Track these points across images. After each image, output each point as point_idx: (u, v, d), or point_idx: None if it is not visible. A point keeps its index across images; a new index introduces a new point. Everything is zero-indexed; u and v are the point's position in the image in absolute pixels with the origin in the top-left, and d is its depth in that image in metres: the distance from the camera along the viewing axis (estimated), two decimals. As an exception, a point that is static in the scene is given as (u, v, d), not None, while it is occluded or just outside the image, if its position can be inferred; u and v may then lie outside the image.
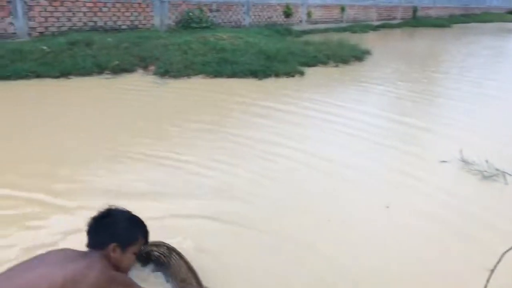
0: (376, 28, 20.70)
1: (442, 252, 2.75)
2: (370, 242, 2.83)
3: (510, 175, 3.97)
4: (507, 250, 1.58)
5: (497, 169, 4.02)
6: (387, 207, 3.34)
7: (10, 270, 1.51)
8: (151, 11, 11.39)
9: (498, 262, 1.52)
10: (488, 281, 1.44)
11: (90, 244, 1.70)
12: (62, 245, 2.55)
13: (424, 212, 3.28)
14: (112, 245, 1.66)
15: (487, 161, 4.13)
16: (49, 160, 3.88)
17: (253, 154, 4.26)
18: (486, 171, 3.99)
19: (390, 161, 4.27)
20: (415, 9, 26.06)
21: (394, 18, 24.10)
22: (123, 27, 10.83)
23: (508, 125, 5.77)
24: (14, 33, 8.83)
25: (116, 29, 10.62)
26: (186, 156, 4.08)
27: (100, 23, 10.33)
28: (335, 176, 3.85)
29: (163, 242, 2.16)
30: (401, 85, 8.12)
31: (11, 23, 8.73)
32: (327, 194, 3.52)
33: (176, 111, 5.74)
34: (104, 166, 3.78)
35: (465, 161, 4.20)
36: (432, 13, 28.51)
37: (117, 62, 7.90)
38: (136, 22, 11.14)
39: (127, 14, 10.88)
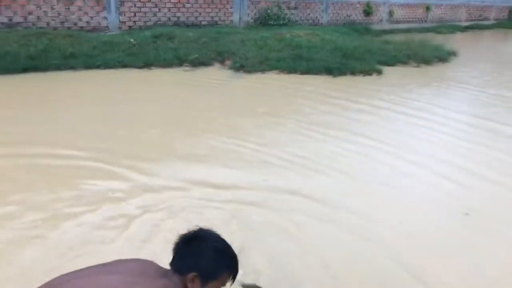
0: (464, 29, 19.24)
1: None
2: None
3: None
4: None
5: None
6: (467, 214, 3.09)
7: (85, 270, 1.47)
8: (230, 8, 11.69)
9: None
10: None
11: (172, 265, 1.52)
12: (140, 218, 2.74)
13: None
14: (192, 275, 1.44)
15: None
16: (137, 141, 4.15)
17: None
18: None
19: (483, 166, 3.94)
20: (511, 10, 23.80)
21: (486, 19, 22.23)
22: (203, 23, 11.24)
23: None
24: (107, 26, 9.57)
25: (197, 25, 11.05)
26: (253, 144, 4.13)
27: (182, 19, 10.82)
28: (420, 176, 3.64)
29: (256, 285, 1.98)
30: (487, 89, 7.43)
31: (105, 17, 9.47)
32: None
33: (247, 103, 5.82)
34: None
35: None
36: (532, 14, 25.81)
37: (196, 56, 8.21)
38: (216, 18, 11.49)
39: (208, 10, 11.27)
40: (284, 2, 12.85)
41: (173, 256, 1.53)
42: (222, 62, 8.36)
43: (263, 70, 7.87)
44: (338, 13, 14.77)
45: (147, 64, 7.69)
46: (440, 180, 3.59)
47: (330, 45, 9.16)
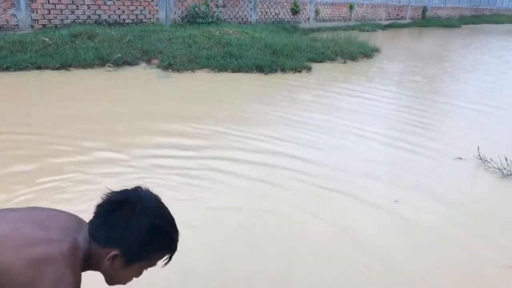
0: (384, 27, 20.39)
1: (459, 251, 2.51)
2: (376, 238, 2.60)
3: (531, 173, 3.72)
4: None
5: (517, 167, 3.77)
6: (397, 201, 3.12)
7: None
8: (156, 6, 11.21)
9: None
10: None
11: (91, 229, 1.15)
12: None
13: (437, 210, 3.04)
14: (113, 253, 1.11)
15: (506, 159, 3.88)
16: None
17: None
18: (505, 169, 3.73)
19: (402, 157, 4.03)
20: (424, 9, 25.70)
21: (403, 18, 23.77)
22: (128, 21, 10.65)
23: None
24: (17, 25, 8.68)
25: (120, 23, 10.44)
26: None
27: (104, 17, 10.16)
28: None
29: None
30: (410, 82, 7.86)
31: (13, 15, 8.58)
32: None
33: (172, 102, 5.53)
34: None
35: (482, 159, 3.94)
36: (442, 13, 28.11)
37: (119, 55, 7.70)
38: (141, 16, 10.96)
39: (132, 8, 10.71)
40: (212, 0, 12.62)
41: (94, 218, 1.15)
42: (148, 61, 7.95)
43: (192, 69, 7.60)
44: (266, 12, 14.85)
45: (64, 65, 7.05)
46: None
47: (260, 43, 9.11)
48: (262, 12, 14.66)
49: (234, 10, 13.54)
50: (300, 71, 8.20)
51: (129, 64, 7.69)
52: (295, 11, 15.92)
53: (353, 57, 9.90)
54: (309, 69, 8.37)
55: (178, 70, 7.45)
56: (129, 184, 1.26)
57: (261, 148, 4.02)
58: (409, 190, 3.34)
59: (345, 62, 9.61)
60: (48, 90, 6.10)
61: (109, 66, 7.46)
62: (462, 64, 10.82)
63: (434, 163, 3.97)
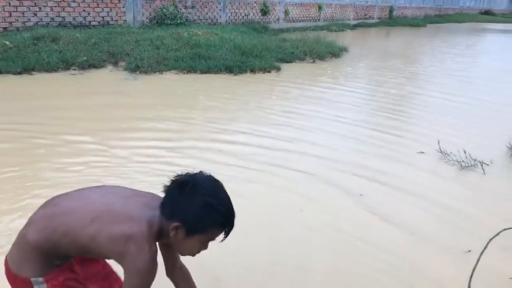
0: (353, 27, 20.79)
1: (423, 240, 2.59)
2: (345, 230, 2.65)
3: (487, 165, 3.88)
4: (494, 236, 1.42)
5: (474, 159, 3.92)
6: (361, 195, 3.19)
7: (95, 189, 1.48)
8: (123, 7, 11.02)
9: (485, 248, 1.36)
10: (476, 265, 1.29)
11: (161, 207, 1.35)
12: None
13: (401, 201, 3.14)
14: (175, 225, 1.31)
15: (465, 152, 4.03)
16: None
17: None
18: (463, 162, 3.88)
19: (366, 151, 4.12)
20: (391, 9, 26.34)
21: (371, 18, 24.28)
22: (93, 23, 10.43)
23: (482, 118, 5.71)
24: (-25, 28, 8.36)
25: (86, 26, 10.22)
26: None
27: (68, 19, 9.92)
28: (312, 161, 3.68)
29: None
30: (375, 80, 8.05)
31: (-29, 18, 8.26)
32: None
33: (139, 104, 5.45)
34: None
35: (443, 152, 4.08)
36: (408, 13, 28.89)
37: (84, 58, 7.54)
38: (108, 18, 10.75)
39: (98, 9, 10.50)
40: (180, 1, 12.53)
41: (164, 197, 1.37)
42: (115, 63, 7.81)
43: (161, 71, 7.52)
44: (236, 12, 14.86)
45: (26, 69, 6.83)
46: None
47: (229, 44, 9.11)
48: (231, 13, 14.67)
49: (203, 11, 13.49)
50: (269, 71, 8.25)
51: (95, 67, 7.54)
52: (264, 11, 16.01)
53: (321, 57, 10.04)
54: (278, 69, 8.44)
55: (146, 72, 7.35)
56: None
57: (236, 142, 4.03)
58: (373, 184, 3.43)
59: (314, 62, 9.74)
60: (5, 96, 5.89)
61: (74, 70, 7.28)
62: (427, 62, 11.16)
63: (398, 156, 4.08)
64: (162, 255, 1.55)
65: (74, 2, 9.95)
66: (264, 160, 3.77)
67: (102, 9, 10.58)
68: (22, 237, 1.34)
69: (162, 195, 1.36)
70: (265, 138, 4.39)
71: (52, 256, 1.34)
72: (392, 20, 25.36)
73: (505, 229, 1.62)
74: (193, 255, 1.43)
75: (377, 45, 14.92)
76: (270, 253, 2.41)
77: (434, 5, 33.10)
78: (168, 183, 1.36)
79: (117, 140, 4.04)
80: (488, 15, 41.89)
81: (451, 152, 4.07)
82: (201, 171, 1.41)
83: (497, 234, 1.51)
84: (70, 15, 9.94)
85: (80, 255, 1.41)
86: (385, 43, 16.03)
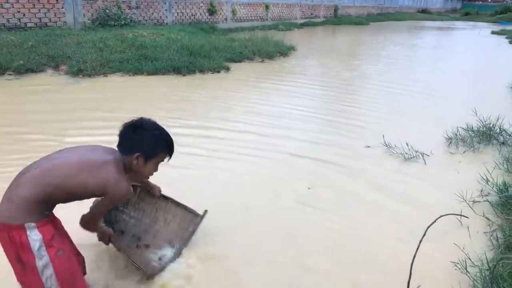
0: (300, 26, 21.20)
1: (366, 229, 2.68)
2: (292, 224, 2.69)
3: (428, 155, 4.08)
4: (431, 224, 1.48)
5: (416, 151, 4.11)
6: (309, 188, 3.25)
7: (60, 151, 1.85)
8: (61, 8, 10.50)
9: (423, 235, 1.42)
10: (416, 251, 1.34)
11: (118, 147, 1.88)
12: None
13: (348, 192, 3.23)
14: (137, 154, 1.84)
15: (407, 144, 4.22)
16: None
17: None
18: (406, 153, 4.06)
19: (314, 145, 4.20)
20: (336, 8, 27.15)
21: (317, 16, 24.89)
22: (30, 25, 9.86)
23: (420, 113, 6.00)
24: None
25: (21, 28, 9.64)
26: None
27: (1, 21, 9.30)
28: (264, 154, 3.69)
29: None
30: (320, 79, 8.23)
31: None
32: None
33: (80, 108, 5.22)
34: None
35: (387, 145, 4.25)
36: (352, 11, 29.92)
37: (21, 62, 7.10)
38: (45, 20, 10.20)
39: (34, 10, 9.93)
40: (124, 1, 12.15)
41: (119, 141, 1.89)
42: (56, 67, 7.40)
43: (105, 73, 7.24)
44: (182, 13, 14.65)
45: (-46, 75, 6.34)
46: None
47: (176, 44, 8.95)
48: (178, 13, 14.44)
49: (149, 11, 13.17)
50: (219, 71, 8.20)
51: (34, 71, 7.11)
52: (211, 11, 15.91)
53: (270, 56, 10.13)
54: (227, 69, 8.41)
55: (89, 76, 7.05)
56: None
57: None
58: (320, 178, 3.50)
59: (262, 61, 9.80)
60: None
61: (10, 75, 6.83)
62: (371, 57, 11.60)
63: (345, 152, 4.19)
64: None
65: (7, 3, 9.35)
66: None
67: (39, 10, 10.03)
68: (14, 196, 1.63)
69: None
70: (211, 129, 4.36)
71: (43, 207, 1.67)
72: (337, 19, 26.16)
73: (441, 216, 1.69)
74: (151, 175, 2.00)
75: (324, 43, 15.32)
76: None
77: (376, 4, 34.52)
78: (120, 129, 1.88)
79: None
80: (425, 13, 44.36)
81: (395, 145, 4.25)
82: (142, 117, 1.93)
83: (434, 221, 1.58)
84: (3, 16, 9.34)
85: (66, 201, 1.76)
86: (331, 41, 16.50)
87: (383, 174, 3.66)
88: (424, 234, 1.49)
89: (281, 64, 9.72)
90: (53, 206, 1.77)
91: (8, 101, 5.55)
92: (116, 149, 1.89)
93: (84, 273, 2.00)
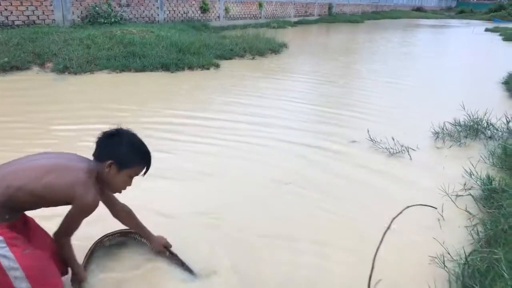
0: (294, 24, 21.12)
1: (342, 221, 2.61)
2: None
3: (414, 150, 4.02)
4: (397, 215, 1.42)
5: (402, 145, 4.05)
6: (288, 184, 3.19)
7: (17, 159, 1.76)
8: (50, 5, 10.36)
9: (388, 227, 1.36)
10: (380, 243, 1.27)
11: (94, 155, 1.80)
12: None
13: (329, 187, 3.16)
14: (109, 162, 1.74)
15: (393, 139, 4.16)
16: None
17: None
18: (392, 148, 4.00)
19: (302, 139, 4.13)
20: (330, 6, 27.08)
21: (311, 14, 24.81)
22: (18, 23, 9.72)
23: (409, 108, 5.95)
24: None
25: (9, 25, 9.50)
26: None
27: (-12, 18, 9.17)
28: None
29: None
30: (311, 75, 8.16)
31: None
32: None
33: (63, 105, 5.12)
34: None
35: (373, 140, 4.18)
36: (347, 9, 29.87)
37: (5, 59, 6.99)
38: (33, 17, 10.07)
39: (22, 8, 9.79)
40: (114, -1, 12.02)
41: (95, 148, 1.80)
42: (42, 65, 7.30)
43: (91, 71, 7.14)
44: (174, 10, 14.53)
45: None
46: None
47: (166, 41, 8.85)
48: (170, 10, 14.32)
49: (140, 9, 13.05)
50: (208, 68, 8.11)
51: (19, 69, 7.01)
52: (204, 9, 15.80)
53: (261, 53, 10.05)
54: (217, 66, 8.32)
55: (75, 73, 6.95)
56: None
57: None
58: (301, 172, 3.43)
59: (253, 58, 9.73)
60: None
61: (-6, 72, 6.73)
62: (364, 54, 11.55)
63: (331, 146, 4.12)
64: (103, 201, 1.94)
65: (-6, 0, 9.21)
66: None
67: (27, 7, 9.89)
68: None
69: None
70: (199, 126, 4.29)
71: (4, 210, 1.60)
72: (331, 17, 26.10)
73: (408, 207, 1.62)
74: (123, 189, 1.84)
75: (316, 41, 15.25)
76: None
77: (371, 2, 34.49)
78: (97, 138, 1.79)
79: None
80: (420, 11, 44.39)
81: (381, 140, 4.18)
82: (120, 127, 1.83)
83: (400, 213, 1.51)
84: (-11, 14, 9.19)
85: (34, 207, 1.69)
86: (323, 39, 16.44)
87: (365, 170, 3.59)
88: (389, 227, 1.42)
89: (272, 61, 9.64)
90: (19, 212, 1.71)
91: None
92: (92, 158, 1.81)
93: (65, 273, 1.91)
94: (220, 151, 3.89)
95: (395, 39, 16.98)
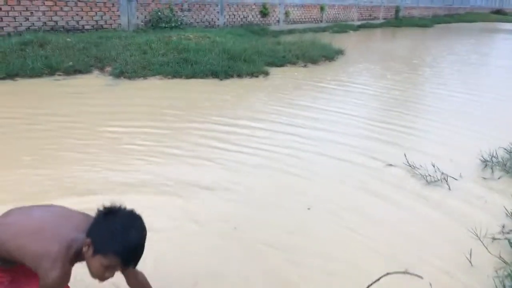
0: (357, 28, 20.54)
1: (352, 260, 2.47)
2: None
3: (455, 179, 3.72)
4: (372, 283, 1.30)
5: (443, 173, 3.77)
6: (308, 208, 3.10)
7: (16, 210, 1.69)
8: (117, 11, 11.03)
9: (375, 281, 1.26)
10: None
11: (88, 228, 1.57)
12: None
13: (362, 214, 3.02)
14: (87, 241, 1.51)
15: (433, 165, 3.88)
16: None
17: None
18: (430, 176, 3.73)
19: (342, 154, 4.00)
20: (397, 9, 25.97)
21: (376, 18, 23.97)
22: (87, 27, 10.46)
23: (465, 128, 5.50)
24: (-34, 33, 8.43)
25: (79, 30, 10.25)
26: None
27: (61, 23, 9.96)
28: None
29: None
30: (362, 87, 7.79)
31: (-39, 23, 8.34)
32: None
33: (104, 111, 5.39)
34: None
35: (411, 165, 3.94)
36: (415, 13, 28.47)
37: (70, 63, 7.54)
38: (101, 22, 10.77)
39: (91, 13, 10.52)
40: (177, 4, 12.50)
41: (92, 221, 1.58)
42: (102, 69, 7.79)
43: (145, 76, 7.49)
44: (234, 15, 14.78)
45: (10, 75, 6.86)
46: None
47: (219, 48, 9.02)
48: (229, 15, 14.59)
49: (200, 13, 13.43)
50: (257, 76, 8.14)
51: (81, 72, 7.53)
52: (264, 13, 15.89)
53: (314, 61, 9.89)
54: (266, 73, 8.32)
55: (130, 78, 7.32)
56: None
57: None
58: (322, 198, 3.31)
59: (305, 66, 9.60)
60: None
61: (59, 75, 7.28)
62: (427, 64, 10.92)
63: (364, 169, 3.94)
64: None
65: (67, 6, 9.98)
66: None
67: (96, 13, 10.60)
68: None
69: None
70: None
71: None
72: (398, 21, 25.02)
73: (388, 273, 1.48)
74: (100, 279, 1.54)
75: (379, 47, 14.68)
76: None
77: (443, 4, 32.58)
78: (98, 209, 1.57)
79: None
80: (499, 14, 41.09)
81: (420, 166, 3.92)
82: (125, 207, 1.57)
83: (377, 280, 1.38)
84: (63, 19, 9.98)
85: (17, 262, 1.57)
86: (385, 45, 15.78)
87: (392, 198, 3.37)
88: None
89: (325, 69, 9.44)
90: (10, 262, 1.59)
91: (38, 105, 5.86)
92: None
93: None
94: (260, 163, 3.94)
95: (466, 46, 15.86)
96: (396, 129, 5.20)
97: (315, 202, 3.24)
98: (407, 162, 3.97)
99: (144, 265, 1.85)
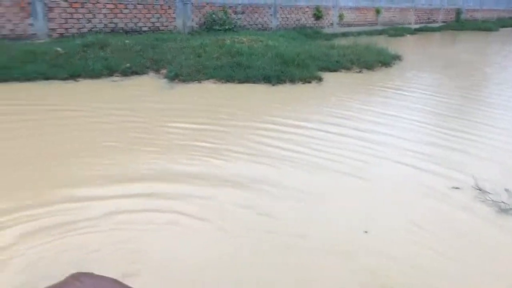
0: (414, 31, 19.69)
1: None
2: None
3: (533, 208, 3.36)
4: None
5: (517, 199, 3.42)
6: (366, 232, 2.91)
7: None
8: (173, 13, 11.27)
9: None
10: None
11: None
12: None
13: (426, 247, 2.79)
14: None
15: (507, 190, 3.54)
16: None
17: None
18: (504, 203, 3.40)
19: (395, 181, 3.76)
20: (458, 12, 24.63)
21: (435, 21, 22.87)
22: (144, 29, 10.77)
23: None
24: (34, 34, 8.93)
25: (137, 31, 10.57)
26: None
27: (120, 25, 10.31)
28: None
29: None
30: (421, 97, 7.37)
31: (30, 24, 8.83)
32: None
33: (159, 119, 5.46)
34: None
35: (480, 189, 3.61)
36: (478, 15, 26.86)
37: (128, 65, 7.77)
38: (158, 24, 11.05)
39: (149, 15, 10.82)
40: (231, 6, 12.57)
41: None
42: (157, 71, 7.96)
43: (199, 79, 7.54)
44: (287, 18, 14.64)
45: (73, 76, 7.18)
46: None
47: (272, 52, 8.92)
48: (283, 18, 14.48)
49: (254, 16, 13.43)
50: (310, 82, 7.95)
51: (138, 73, 7.73)
52: (317, 16, 15.63)
53: (369, 66, 9.53)
54: (319, 79, 8.11)
55: (184, 81, 7.41)
56: None
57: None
58: (383, 219, 3.10)
59: (360, 72, 9.27)
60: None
61: (117, 76, 7.52)
62: (494, 73, 10.21)
63: (427, 191, 3.67)
64: None
65: (126, 9, 10.32)
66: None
67: (153, 15, 10.89)
68: None
69: None
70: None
71: None
72: (458, 24, 23.71)
73: None
74: None
75: (438, 52, 13.94)
76: None
77: (508, 7, 30.51)
78: None
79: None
80: None
81: (491, 190, 3.59)
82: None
83: None
84: (122, 21, 10.33)
85: None
86: (446, 51, 14.95)
87: (457, 225, 3.09)
88: None
89: (381, 76, 9.06)
90: None
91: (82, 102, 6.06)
92: None
93: None
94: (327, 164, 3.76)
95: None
96: (456, 151, 4.84)
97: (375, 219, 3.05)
98: (477, 185, 3.65)
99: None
